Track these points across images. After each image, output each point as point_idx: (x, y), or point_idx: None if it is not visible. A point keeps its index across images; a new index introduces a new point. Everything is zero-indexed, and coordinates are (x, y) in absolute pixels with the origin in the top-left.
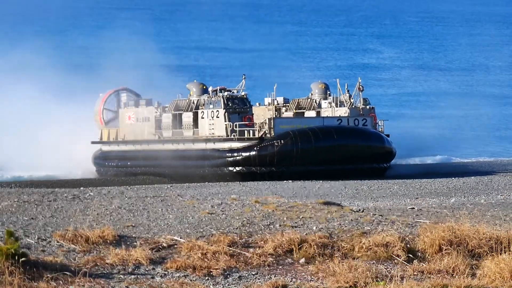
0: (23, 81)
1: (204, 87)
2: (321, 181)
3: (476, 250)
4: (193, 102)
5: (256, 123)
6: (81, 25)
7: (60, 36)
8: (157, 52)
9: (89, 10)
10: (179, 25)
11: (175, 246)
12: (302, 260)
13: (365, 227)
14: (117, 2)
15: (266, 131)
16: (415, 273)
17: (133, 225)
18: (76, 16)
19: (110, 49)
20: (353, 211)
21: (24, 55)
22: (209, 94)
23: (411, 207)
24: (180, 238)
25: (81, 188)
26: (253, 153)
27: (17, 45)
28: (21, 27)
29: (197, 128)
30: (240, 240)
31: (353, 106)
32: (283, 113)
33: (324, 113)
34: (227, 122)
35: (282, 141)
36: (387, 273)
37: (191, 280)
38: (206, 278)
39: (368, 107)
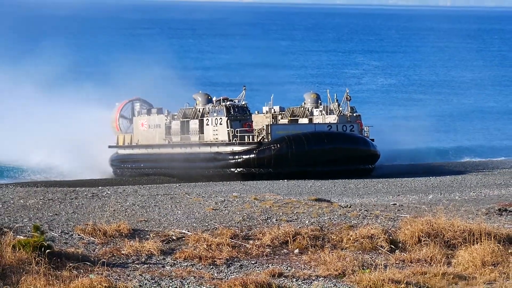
0: (48, 90)
1: (209, 97)
2: (313, 180)
3: (451, 241)
4: (199, 111)
5: (255, 129)
6: (101, 42)
7: (83, 50)
8: (168, 66)
9: (107, 29)
10: (187, 42)
11: (183, 238)
12: (296, 251)
13: (352, 221)
14: (132, 22)
15: (264, 136)
16: (397, 262)
17: (146, 220)
18: (97, 34)
19: (125, 63)
20: (342, 206)
21: (49, 66)
22: (213, 103)
23: (393, 203)
24: (188, 231)
25: (100, 187)
26: (252, 155)
27: (45, 56)
28: (47, 43)
29: (203, 133)
30: (241, 233)
31: (342, 114)
32: (279, 120)
33: (315, 120)
34: (229, 128)
35: (278, 145)
36: (372, 262)
37: (197, 269)
38: (211, 266)
39: (355, 114)
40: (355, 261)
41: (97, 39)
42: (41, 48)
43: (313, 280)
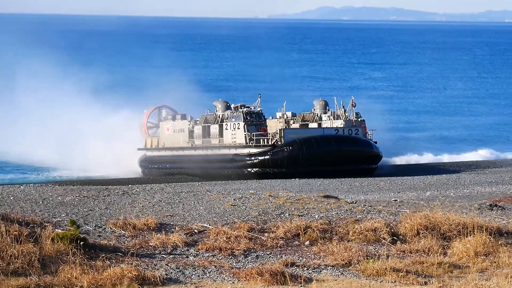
0: (84, 99)
1: (228, 104)
2: (322, 179)
3: (447, 234)
4: (219, 116)
5: (269, 133)
6: (131, 55)
7: (113, 62)
8: (190, 76)
9: (140, 42)
10: (208, 55)
11: (205, 231)
12: (307, 242)
13: (358, 216)
14: (157, 37)
15: (278, 139)
16: (398, 252)
17: (171, 215)
18: (132, 48)
19: (152, 73)
20: (348, 202)
21: (84, 76)
22: (231, 110)
23: (394, 199)
24: (209, 225)
25: (129, 185)
26: (267, 157)
27: (81, 67)
28: (85, 57)
29: (222, 137)
30: (257, 227)
31: (347, 119)
32: (291, 124)
33: (324, 125)
34: (246, 132)
35: (290, 147)
36: (375, 252)
37: (218, 259)
38: (230, 257)
39: (359, 119)
40: (360, 252)
41: (132, 52)
42: (85, 59)
43: (322, 269)
